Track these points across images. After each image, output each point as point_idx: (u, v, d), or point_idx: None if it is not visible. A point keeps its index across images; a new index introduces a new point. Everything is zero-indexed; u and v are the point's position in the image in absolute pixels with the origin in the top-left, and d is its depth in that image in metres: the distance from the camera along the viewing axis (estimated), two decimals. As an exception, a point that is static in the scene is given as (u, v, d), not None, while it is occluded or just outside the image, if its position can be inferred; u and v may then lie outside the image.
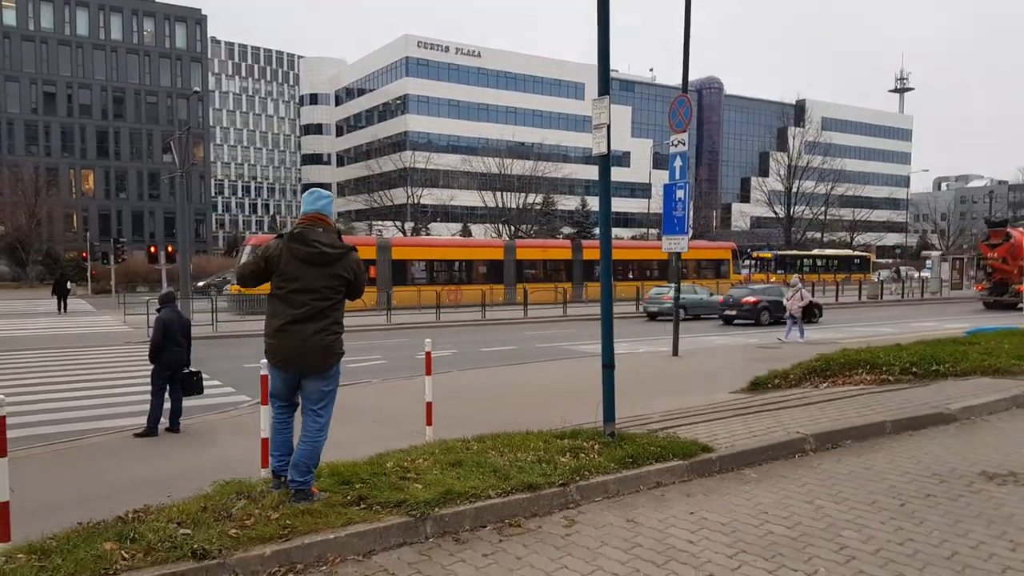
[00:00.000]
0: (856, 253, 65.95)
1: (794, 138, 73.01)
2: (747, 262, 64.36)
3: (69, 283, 32.22)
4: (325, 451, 6.82)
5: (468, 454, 5.83)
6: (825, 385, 9.86)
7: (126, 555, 3.97)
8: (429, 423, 7.50)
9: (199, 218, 75.84)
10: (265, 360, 6.07)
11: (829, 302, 35.94)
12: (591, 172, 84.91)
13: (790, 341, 17.78)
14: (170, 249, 25.81)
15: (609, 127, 6.03)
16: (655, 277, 39.28)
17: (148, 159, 71.71)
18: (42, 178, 59.69)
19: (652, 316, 27.75)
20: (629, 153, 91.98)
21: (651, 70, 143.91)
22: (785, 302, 19.30)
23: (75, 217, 65.86)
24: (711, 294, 29.31)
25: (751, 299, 24.31)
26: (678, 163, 14.72)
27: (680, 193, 14.79)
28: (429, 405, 7.52)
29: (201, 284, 35.76)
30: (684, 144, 14.50)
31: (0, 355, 17.14)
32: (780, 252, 62.26)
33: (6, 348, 18.56)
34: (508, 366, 14.60)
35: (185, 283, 27.30)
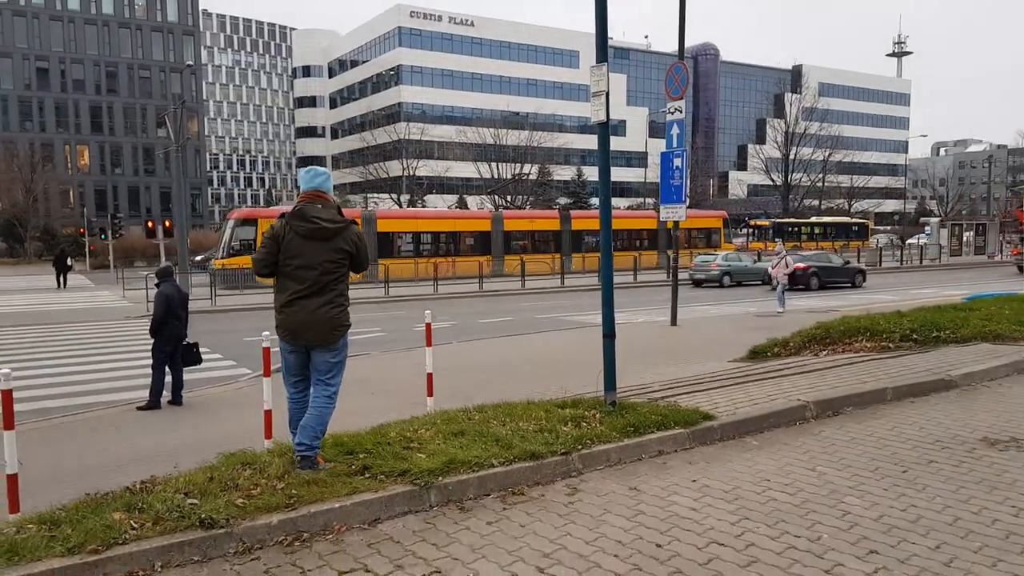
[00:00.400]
0: (854, 220, 65.78)
1: (791, 104, 72.40)
2: (744, 230, 64.22)
3: (69, 259, 32.14)
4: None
5: (470, 424, 5.86)
6: (825, 353, 9.88)
7: (135, 524, 4.01)
8: (430, 394, 7.53)
9: (195, 192, 75.42)
10: (266, 334, 6.09)
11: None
12: (587, 142, 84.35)
13: (787, 310, 17.51)
14: (167, 224, 25.70)
15: (608, 94, 5.97)
16: (645, 247, 39.19)
17: (142, 134, 71.17)
18: (37, 154, 59.33)
19: (698, 283, 28.51)
20: (625, 122, 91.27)
21: (646, 37, 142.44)
22: (770, 269, 19.02)
23: (71, 193, 65.60)
24: (755, 261, 29.87)
25: (801, 265, 24.35)
26: (675, 131, 14.61)
27: (678, 161, 14.69)
28: (430, 376, 7.55)
29: (199, 259, 35.65)
30: (681, 112, 14.36)
31: (0, 331, 17.17)
32: (777, 220, 62.11)
33: (6, 324, 18.55)
34: (507, 337, 14.61)
35: (183, 257, 27.24)
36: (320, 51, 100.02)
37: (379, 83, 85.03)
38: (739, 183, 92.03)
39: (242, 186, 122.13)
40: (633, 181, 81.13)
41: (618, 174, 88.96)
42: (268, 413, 6.59)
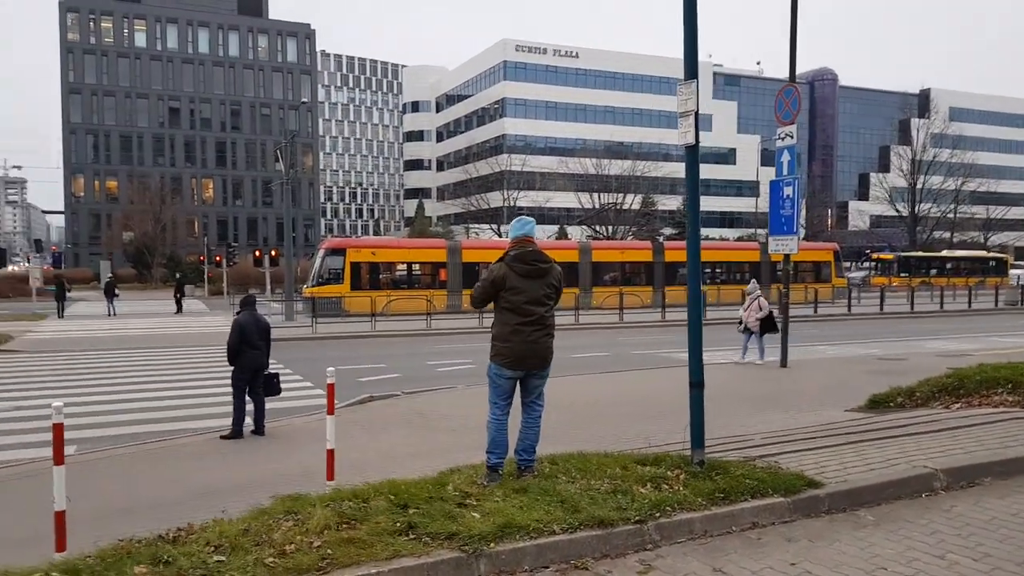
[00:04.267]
0: (991, 254, 60.62)
1: (918, 130, 68.01)
2: (866, 264, 60.45)
3: (184, 285, 33.95)
4: (393, 467, 6.42)
5: (535, 479, 5.28)
6: (958, 406, 8.66)
7: (154, 583, 3.67)
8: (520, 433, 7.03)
9: (308, 223, 78.93)
10: (331, 370, 5.77)
11: (961, 309, 33.08)
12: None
13: (746, 362, 14.92)
14: (274, 253, 26.60)
15: (697, 114, 5.33)
16: (745, 280, 37.15)
17: (262, 167, 75.33)
18: (167, 187, 63.90)
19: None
20: (735, 150, 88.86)
21: (758, 63, 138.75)
22: (742, 313, 15.46)
23: (196, 223, 70.02)
24: None
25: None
26: (786, 157, 13.63)
27: (788, 190, 13.69)
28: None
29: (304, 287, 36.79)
30: (792, 137, 13.40)
31: (115, 352, 18.00)
32: (904, 253, 58.11)
33: (124, 346, 19.50)
34: (598, 374, 13.90)
35: (289, 285, 28.15)
36: (428, 87, 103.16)
37: (484, 116, 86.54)
38: (860, 214, 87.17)
39: (353, 217, 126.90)
40: (744, 211, 78.43)
41: (728, 204, 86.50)
42: (330, 453, 6.26)
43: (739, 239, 68.08)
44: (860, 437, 6.99)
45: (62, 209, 72.26)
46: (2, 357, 17.65)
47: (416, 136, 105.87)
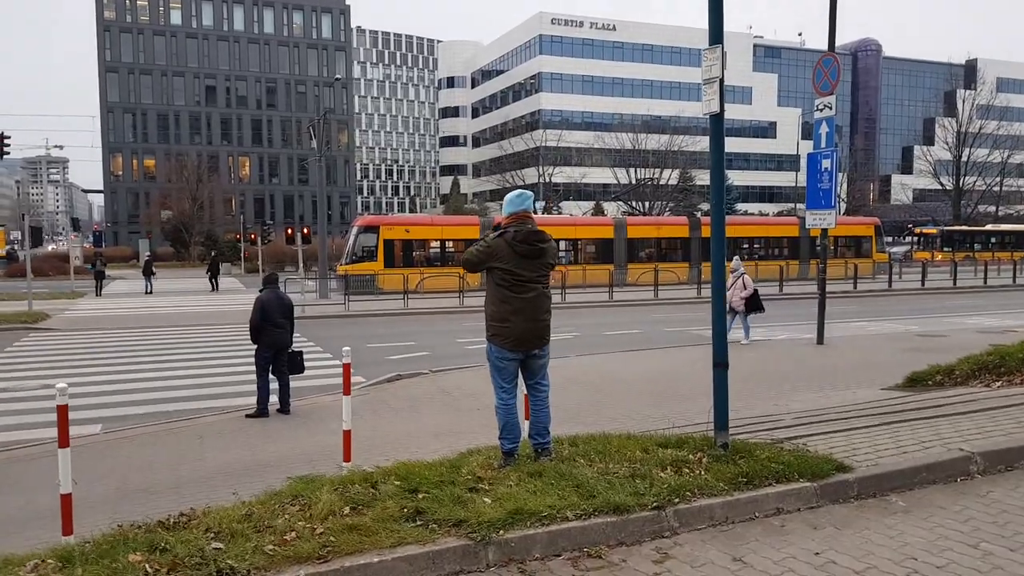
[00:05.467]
0: (1038, 228, 58.57)
1: (964, 102, 65.59)
2: (909, 239, 58.80)
3: (219, 263, 34.36)
4: (414, 447, 6.82)
5: (551, 462, 5.12)
6: (999, 385, 8.28)
7: (150, 569, 3.61)
8: (527, 416, 6.89)
9: (344, 200, 79.39)
10: (346, 349, 5.72)
11: (1005, 283, 32.02)
12: (733, 145, 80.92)
13: (750, 342, 14.22)
14: (306, 231, 26.74)
15: (723, 81, 5.05)
16: (784, 256, 36.36)
17: (297, 145, 75.74)
18: (204, 165, 64.63)
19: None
20: (775, 123, 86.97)
21: (799, 34, 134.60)
22: (728, 293, 14.42)
23: (233, 201, 70.80)
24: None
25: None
26: (824, 129, 13.18)
27: (826, 163, 13.24)
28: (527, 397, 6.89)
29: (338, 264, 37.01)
30: (831, 108, 12.92)
31: (148, 330, 18.29)
32: (947, 228, 56.35)
33: (160, 324, 19.80)
34: (629, 352, 13.67)
35: (323, 263, 28.31)
36: (464, 62, 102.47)
37: (519, 91, 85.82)
38: (903, 187, 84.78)
39: (389, 194, 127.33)
40: (783, 185, 76.82)
41: (767, 178, 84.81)
42: (347, 434, 6.19)
43: (779, 214, 66.78)
44: (895, 418, 6.71)
45: (101, 188, 73.64)
46: (38, 335, 18.03)
47: (451, 112, 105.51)
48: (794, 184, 67.95)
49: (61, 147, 72.50)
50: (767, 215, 65.03)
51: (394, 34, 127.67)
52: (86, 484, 6.40)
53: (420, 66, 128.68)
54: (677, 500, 4.47)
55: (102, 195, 75.28)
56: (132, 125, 72.11)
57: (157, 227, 62.81)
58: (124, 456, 7.47)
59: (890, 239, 54.21)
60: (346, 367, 6.31)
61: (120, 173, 72.52)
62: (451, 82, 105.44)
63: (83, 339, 17.09)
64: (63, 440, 4.57)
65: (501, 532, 4.04)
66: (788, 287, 29.12)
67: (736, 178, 76.80)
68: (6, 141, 28.42)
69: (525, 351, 5.28)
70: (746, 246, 36.65)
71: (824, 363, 11.67)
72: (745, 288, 14.25)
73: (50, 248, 65.75)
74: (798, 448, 5.46)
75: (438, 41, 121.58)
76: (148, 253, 40.32)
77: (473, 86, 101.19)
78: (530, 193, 5.55)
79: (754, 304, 14.23)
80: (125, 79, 71.34)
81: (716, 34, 5.16)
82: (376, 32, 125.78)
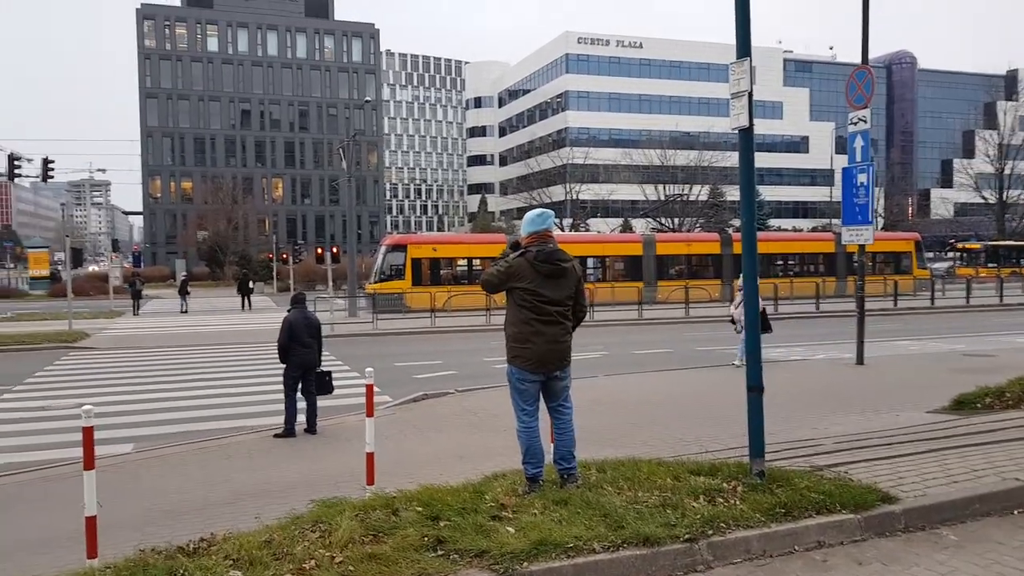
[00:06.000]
0: (1088, 243, 56.79)
1: (1005, 113, 64.16)
2: (950, 254, 57.43)
3: (251, 282, 34.74)
4: (439, 469, 6.65)
5: (578, 490, 4.93)
6: (1053, 408, 7.89)
7: (165, 600, 3.50)
8: (551, 439, 6.71)
9: (373, 220, 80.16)
10: (369, 370, 5.62)
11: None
12: (764, 160, 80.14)
13: (742, 364, 13.35)
14: (335, 251, 26.93)
15: (751, 95, 4.88)
16: (820, 272, 35.64)
17: (328, 167, 76.85)
18: (238, 187, 65.82)
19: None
20: (807, 137, 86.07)
21: (831, 48, 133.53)
22: (732, 311, 14.38)
23: (266, 222, 71.88)
24: None
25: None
26: (859, 143, 12.88)
27: (862, 177, 12.91)
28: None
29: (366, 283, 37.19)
30: (866, 122, 12.62)
31: (182, 349, 18.45)
32: (991, 242, 54.92)
33: (194, 343, 19.98)
34: (659, 372, 13.38)
35: (352, 282, 28.45)
36: (491, 82, 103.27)
37: (546, 110, 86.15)
38: (943, 201, 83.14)
39: (417, 213, 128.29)
40: (817, 201, 75.81)
41: (800, 193, 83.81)
42: (370, 457, 6.07)
43: (813, 230, 65.81)
44: (942, 443, 6.39)
45: (141, 210, 75.35)
46: (77, 354, 18.29)
47: (479, 132, 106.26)
48: (828, 199, 67.00)
49: (104, 170, 74.70)
50: (800, 231, 64.11)
51: (422, 56, 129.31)
52: (116, 504, 6.38)
53: (448, 87, 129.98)
54: (711, 532, 4.25)
55: (142, 216, 77.00)
56: (171, 148, 73.89)
57: (193, 247, 63.93)
58: (154, 476, 7.45)
59: (931, 255, 53.07)
60: (369, 388, 6.20)
61: (159, 195, 74.18)
62: (478, 102, 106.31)
63: (119, 358, 17.30)
64: (88, 462, 4.54)
65: (525, 564, 3.87)
66: (825, 304, 28.52)
67: (768, 193, 75.97)
68: (51, 165, 29.20)
69: (547, 373, 5.19)
70: (780, 262, 36.06)
71: (864, 384, 11.28)
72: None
73: (90, 268, 67.27)
74: (839, 476, 5.19)
75: (465, 62, 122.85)
76: (184, 273, 40.99)
77: (500, 105, 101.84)
78: (551, 212, 5.48)
79: (761, 324, 13.66)
80: (164, 104, 73.20)
81: (744, 48, 5.01)
82: (405, 55, 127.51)
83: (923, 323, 23.59)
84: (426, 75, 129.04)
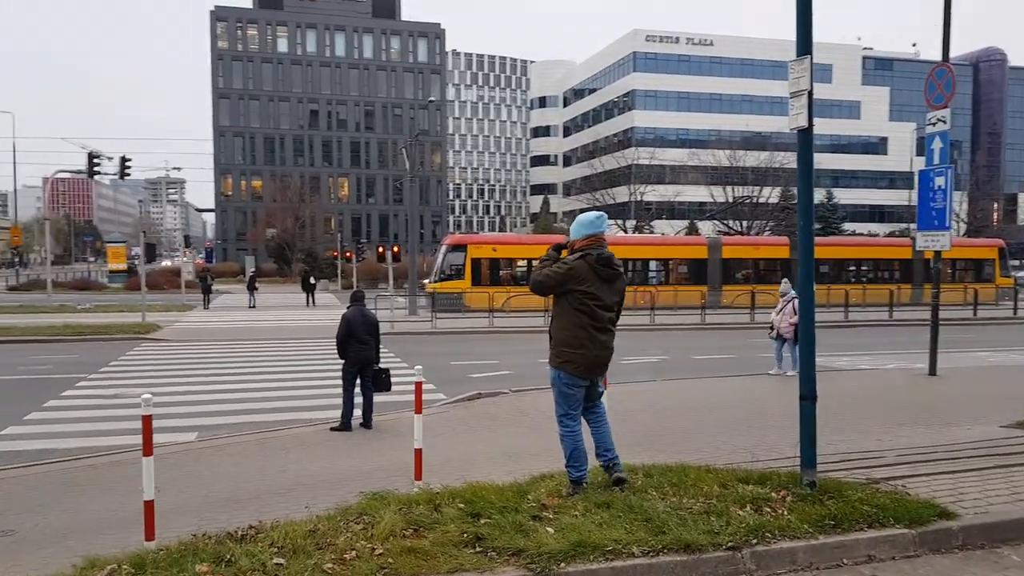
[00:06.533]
0: None
1: (1104, 112, 60.59)
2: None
3: (312, 279, 35.61)
4: (488, 468, 6.71)
5: (624, 493, 4.89)
6: None
7: (211, 582, 3.64)
8: (591, 435, 6.68)
9: (436, 219, 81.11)
10: (419, 368, 5.78)
11: None
12: (840, 161, 77.69)
13: (778, 373, 13.24)
14: (395, 250, 27.36)
15: (811, 94, 4.75)
16: (895, 279, 34.29)
17: (393, 166, 78.09)
18: (306, 186, 67.58)
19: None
20: (886, 138, 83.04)
21: (913, 45, 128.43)
22: (773, 317, 13.70)
23: (332, 220, 73.46)
24: None
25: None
26: (937, 144, 12.41)
27: (940, 180, 12.41)
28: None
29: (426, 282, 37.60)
30: (945, 122, 12.14)
31: (248, 342, 19.07)
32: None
33: (259, 337, 20.63)
34: (720, 378, 13.15)
35: (413, 281, 28.84)
36: (556, 82, 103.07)
37: (612, 109, 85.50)
38: (1033, 206, 79.09)
39: (480, 213, 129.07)
40: (896, 204, 73.16)
41: (878, 196, 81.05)
42: (418, 453, 6.15)
43: (890, 234, 63.50)
44: (1013, 460, 6.09)
45: (213, 207, 78.09)
46: (149, 345, 19.09)
47: (543, 132, 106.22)
48: (907, 203, 64.47)
49: (179, 169, 78.33)
50: (876, 235, 61.93)
51: (488, 56, 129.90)
52: (177, 489, 6.66)
53: (512, 87, 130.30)
54: (755, 541, 4.16)
55: (214, 214, 79.78)
56: (241, 148, 76.36)
57: (262, 244, 65.88)
58: (214, 464, 7.72)
59: (1016, 262, 50.51)
60: (417, 385, 6.28)
61: (230, 193, 76.76)
62: (543, 102, 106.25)
63: (188, 350, 17.98)
64: (147, 448, 4.73)
65: (562, 565, 3.87)
66: (900, 313, 27.50)
67: (843, 196, 73.64)
68: (128, 164, 30.56)
69: (592, 377, 5.22)
70: (853, 268, 34.97)
71: (936, 396, 10.85)
72: (795, 314, 12.82)
73: (163, 264, 70.20)
74: (895, 490, 5.01)
75: (530, 62, 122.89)
76: (252, 269, 42.24)
77: (565, 105, 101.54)
78: (603, 214, 5.49)
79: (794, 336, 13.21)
80: (236, 104, 75.69)
81: (804, 46, 4.88)
82: (470, 55, 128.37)
83: (1004, 334, 22.49)
84: (491, 75, 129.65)
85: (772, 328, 13.63)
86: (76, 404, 11.21)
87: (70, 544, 5.00)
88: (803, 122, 4.86)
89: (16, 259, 53.32)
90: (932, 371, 12.74)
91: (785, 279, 15.13)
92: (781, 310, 13.38)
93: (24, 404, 10.95)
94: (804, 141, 4.94)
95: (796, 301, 12.99)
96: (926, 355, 13.06)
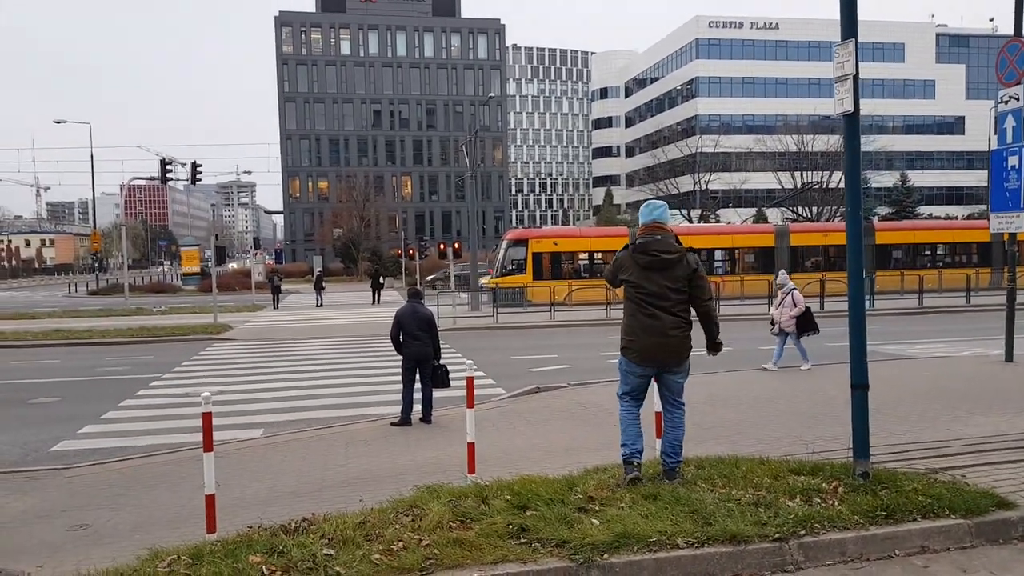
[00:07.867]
0: None
1: None
2: None
3: (381, 278, 36.31)
4: (545, 460, 6.85)
5: (672, 485, 4.90)
6: None
7: (266, 570, 3.84)
8: (658, 435, 6.64)
9: (498, 215, 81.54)
10: (469, 363, 6.00)
11: None
12: (914, 143, 74.61)
13: (777, 368, 12.59)
14: (456, 246, 27.72)
15: (856, 78, 4.64)
16: (973, 263, 32.72)
17: (455, 163, 78.80)
18: (370, 186, 68.88)
19: None
20: (963, 118, 79.28)
21: (991, 20, 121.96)
22: (772, 312, 13.13)
23: (396, 218, 74.82)
24: None
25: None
26: (1010, 123, 11.87)
27: (1013, 160, 11.86)
28: (658, 416, 6.64)
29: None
30: (1018, 100, 11.59)
31: (316, 342, 19.64)
32: None
33: (325, 335, 21.20)
34: (783, 369, 12.84)
35: (474, 276, 29.12)
36: (617, 72, 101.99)
37: (675, 97, 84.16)
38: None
39: (543, 207, 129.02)
40: (975, 186, 69.85)
41: (955, 178, 77.62)
42: (471, 447, 6.29)
43: (969, 216, 60.73)
44: (1087, 451, 5.81)
45: (282, 209, 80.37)
46: (220, 345, 19.86)
47: (604, 123, 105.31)
48: (986, 184, 61.43)
49: (250, 172, 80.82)
50: (955, 218, 59.25)
51: (548, 49, 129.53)
52: (243, 484, 6.94)
53: (573, 79, 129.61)
54: (803, 532, 4.12)
55: (282, 215, 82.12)
56: (307, 150, 78.40)
57: (329, 244, 67.54)
58: (278, 459, 8.00)
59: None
60: (469, 381, 6.41)
61: (297, 195, 78.92)
62: (604, 93, 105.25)
63: (257, 349, 18.62)
64: (207, 444, 4.95)
65: (605, 556, 3.91)
66: (977, 298, 26.30)
67: (918, 179, 70.71)
68: (199, 169, 31.74)
69: (654, 367, 5.25)
70: (928, 252, 33.62)
71: (1012, 384, 10.38)
72: (795, 306, 12.63)
73: (231, 266, 72.81)
74: (953, 480, 4.87)
75: (591, 53, 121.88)
76: (319, 269, 43.37)
77: (626, 95, 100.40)
78: (661, 203, 5.48)
79: (806, 324, 12.61)
80: (301, 107, 77.72)
81: (849, 28, 4.78)
82: (531, 48, 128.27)
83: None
84: (552, 68, 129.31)
85: (772, 323, 13.14)
86: (149, 403, 11.72)
87: (138, 538, 5.26)
88: (849, 107, 4.75)
89: (96, 264, 55.81)
90: (1008, 357, 12.25)
91: (782, 270, 14.62)
92: (780, 303, 12.93)
93: (101, 403, 11.52)
94: (851, 126, 4.84)
95: (795, 293, 12.86)
96: (1002, 341, 12.52)
